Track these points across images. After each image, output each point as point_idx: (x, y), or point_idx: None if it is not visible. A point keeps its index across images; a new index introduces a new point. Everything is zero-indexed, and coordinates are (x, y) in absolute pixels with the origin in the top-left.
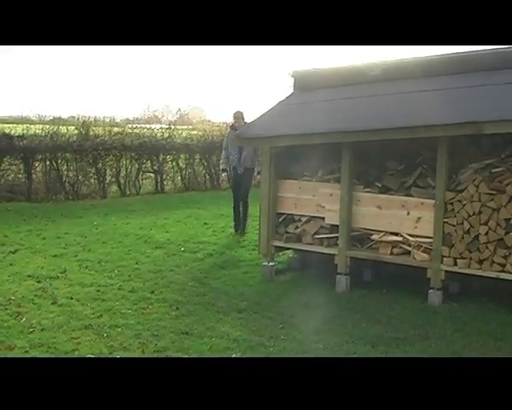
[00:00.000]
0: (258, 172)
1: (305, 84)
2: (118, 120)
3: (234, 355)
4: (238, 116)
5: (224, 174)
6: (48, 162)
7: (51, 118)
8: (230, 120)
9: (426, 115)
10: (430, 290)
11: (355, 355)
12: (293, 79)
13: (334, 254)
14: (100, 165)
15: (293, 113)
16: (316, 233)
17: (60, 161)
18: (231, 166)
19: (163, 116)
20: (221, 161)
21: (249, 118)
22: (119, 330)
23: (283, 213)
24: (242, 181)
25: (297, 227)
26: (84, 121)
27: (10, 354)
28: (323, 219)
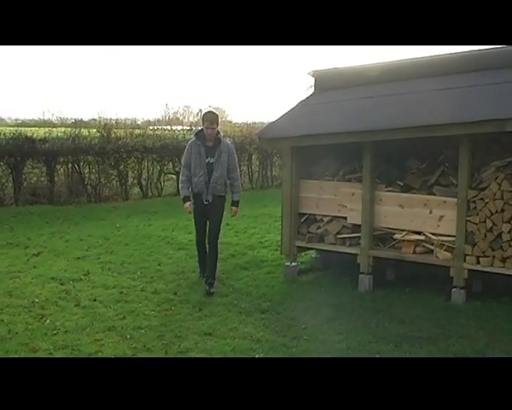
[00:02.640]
0: (234, 204)
1: (325, 84)
2: (139, 122)
3: (257, 356)
4: (213, 120)
5: (187, 204)
6: (70, 165)
7: (73, 121)
8: (251, 119)
9: (447, 113)
10: (453, 289)
11: (378, 355)
12: (313, 78)
13: (356, 254)
14: (122, 167)
15: (314, 113)
16: (338, 233)
17: (82, 163)
18: (195, 191)
19: (184, 118)
20: (180, 184)
21: (270, 118)
22: (143, 331)
23: (305, 214)
24: (210, 215)
25: (319, 227)
26: (106, 124)
27: (35, 356)
28: (345, 218)
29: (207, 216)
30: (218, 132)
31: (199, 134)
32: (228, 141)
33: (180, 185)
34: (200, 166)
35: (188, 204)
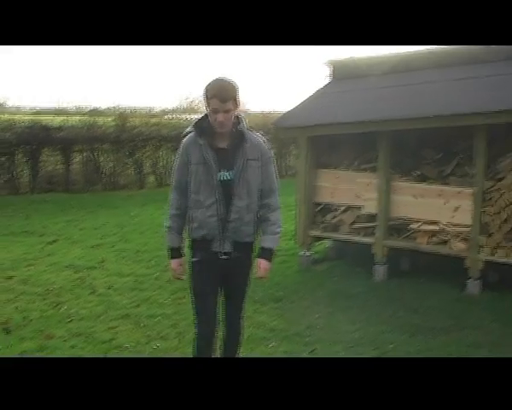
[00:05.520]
0: (265, 254)
1: (342, 73)
2: (155, 111)
3: (271, 345)
4: (227, 95)
5: (175, 263)
6: (85, 153)
7: (89, 110)
8: (268, 108)
9: (464, 104)
10: (468, 280)
11: (391, 345)
12: (330, 68)
13: (371, 244)
14: (137, 156)
15: (330, 102)
16: (353, 223)
17: (97, 152)
18: (196, 236)
19: (200, 106)
20: (167, 223)
21: (286, 107)
22: (157, 319)
23: (320, 203)
24: (229, 285)
25: (334, 217)
26: (121, 112)
27: (50, 343)
28: (360, 208)
29: (221, 285)
30: (240, 121)
31: (201, 125)
32: (258, 136)
33: (166, 225)
34: (207, 188)
35: (176, 263)
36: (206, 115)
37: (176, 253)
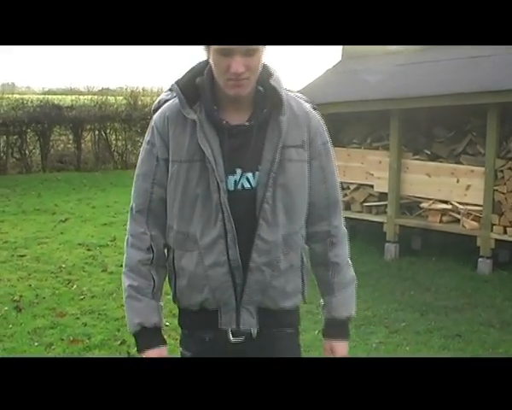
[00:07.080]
0: (336, 330)
1: (353, 52)
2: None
3: None
4: (256, 55)
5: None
6: (97, 132)
7: (100, 89)
8: None
9: (476, 82)
10: (480, 259)
11: (403, 324)
12: (341, 46)
13: (382, 222)
14: None
15: (341, 80)
16: (364, 201)
17: (108, 130)
18: (188, 303)
19: None
20: (126, 280)
21: (297, 86)
22: (169, 297)
23: None
24: None
25: (345, 195)
26: (132, 91)
27: (62, 321)
28: (372, 186)
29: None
30: (271, 73)
31: (191, 84)
32: (303, 102)
33: (127, 283)
34: (205, 210)
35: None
36: (203, 64)
37: (148, 339)
